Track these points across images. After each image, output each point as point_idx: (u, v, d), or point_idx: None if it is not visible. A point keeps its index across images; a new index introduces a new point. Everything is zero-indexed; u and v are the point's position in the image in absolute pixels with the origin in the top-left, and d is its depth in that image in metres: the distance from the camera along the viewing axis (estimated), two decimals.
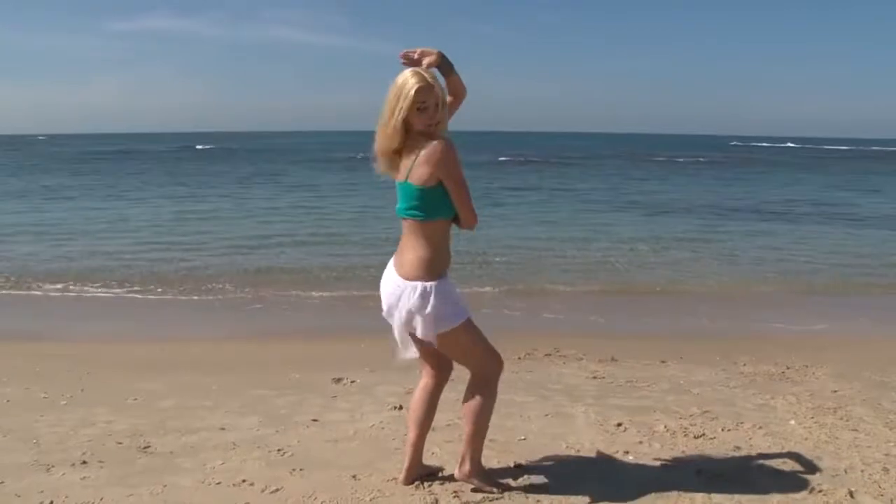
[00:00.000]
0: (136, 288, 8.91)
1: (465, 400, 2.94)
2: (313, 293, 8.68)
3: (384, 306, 2.86)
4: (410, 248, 2.76)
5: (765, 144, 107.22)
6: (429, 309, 2.69)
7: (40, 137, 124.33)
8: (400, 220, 2.80)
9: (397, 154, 2.76)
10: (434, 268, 2.74)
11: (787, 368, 5.50)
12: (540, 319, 7.61)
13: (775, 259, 11.41)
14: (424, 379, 3.04)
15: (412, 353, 2.88)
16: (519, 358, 5.81)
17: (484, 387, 2.91)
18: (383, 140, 2.74)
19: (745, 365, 5.66)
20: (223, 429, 3.99)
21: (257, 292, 8.70)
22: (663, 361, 5.78)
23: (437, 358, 2.98)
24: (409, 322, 2.74)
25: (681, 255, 11.62)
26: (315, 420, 4.15)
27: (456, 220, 2.79)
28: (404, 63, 2.79)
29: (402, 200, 2.76)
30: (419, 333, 2.74)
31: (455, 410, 4.13)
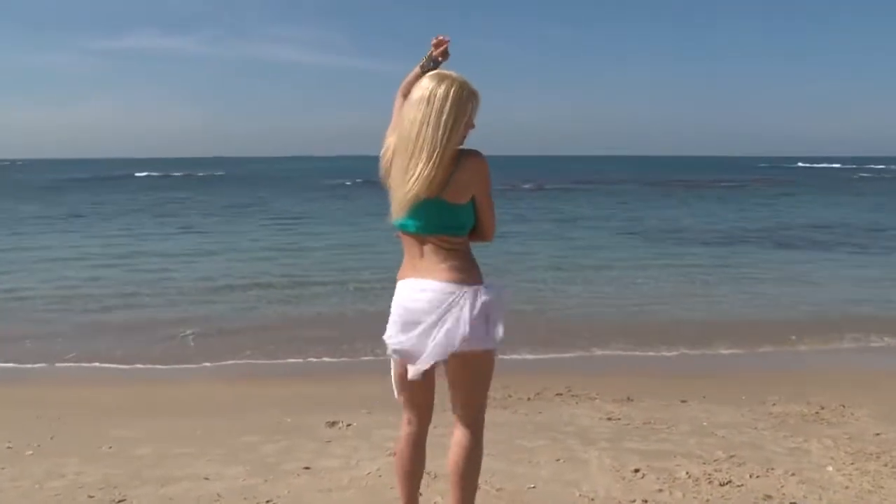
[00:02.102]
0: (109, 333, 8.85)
1: (461, 456, 2.75)
2: (308, 329, 8.65)
3: (402, 325, 2.66)
4: (444, 260, 2.63)
5: (801, 165, 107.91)
6: (501, 312, 2.61)
7: (18, 163, 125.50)
8: (416, 237, 2.66)
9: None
10: (480, 272, 2.69)
11: (822, 408, 5.43)
12: (550, 356, 7.55)
13: (804, 289, 11.34)
14: (406, 427, 2.87)
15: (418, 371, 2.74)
16: (528, 398, 5.76)
17: (480, 437, 2.78)
18: (433, 169, 2.51)
19: (774, 404, 5.60)
20: (206, 478, 3.94)
21: (243, 330, 8.66)
22: (683, 401, 5.72)
23: (427, 398, 2.86)
24: (455, 332, 2.55)
25: (699, 285, 11.58)
26: (307, 468, 4.10)
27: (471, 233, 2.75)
28: (438, 55, 2.75)
29: (426, 218, 2.62)
30: (467, 343, 2.56)
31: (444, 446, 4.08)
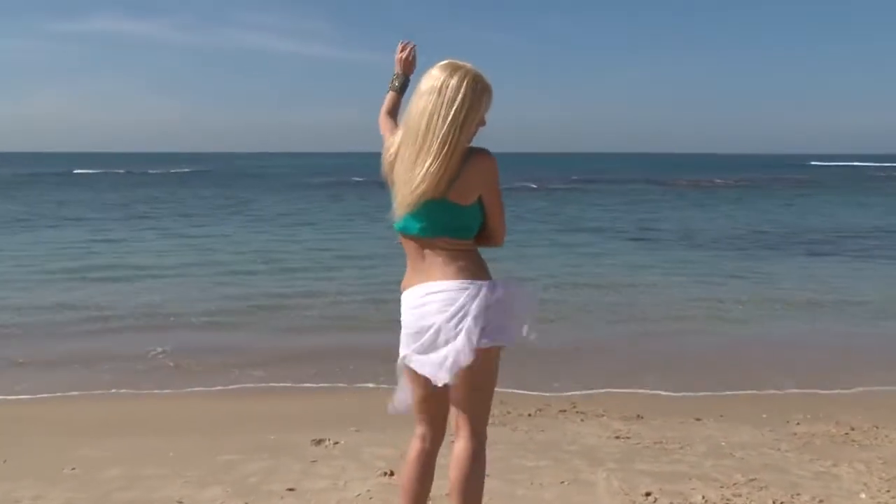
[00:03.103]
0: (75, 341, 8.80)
1: (460, 469, 2.74)
2: (292, 343, 8.66)
3: (415, 331, 2.68)
4: (450, 261, 2.65)
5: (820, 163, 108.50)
6: (530, 309, 2.67)
7: None
8: (419, 240, 2.67)
9: None
10: (489, 273, 2.71)
11: (852, 429, 5.43)
12: (553, 369, 7.57)
13: (832, 299, 11.31)
14: (420, 443, 2.88)
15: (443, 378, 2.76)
16: (529, 415, 5.77)
17: (481, 450, 2.78)
18: (442, 165, 2.52)
19: (798, 424, 5.62)
20: (181, 502, 3.94)
21: (220, 345, 8.65)
22: (698, 419, 5.74)
23: (442, 410, 2.85)
24: (486, 318, 2.57)
25: (717, 293, 11.60)
26: (291, 489, 4.10)
27: (478, 236, 2.76)
28: (407, 70, 2.84)
29: (429, 219, 2.63)
30: (488, 338, 2.59)
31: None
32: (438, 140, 2.53)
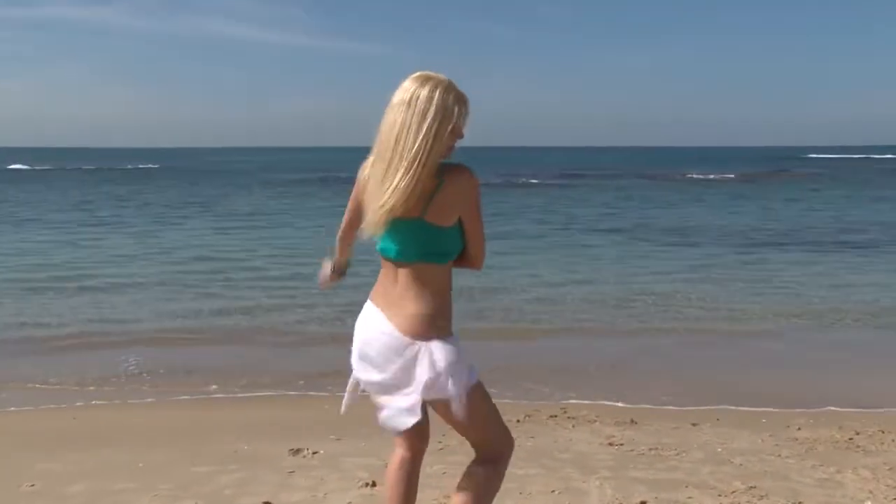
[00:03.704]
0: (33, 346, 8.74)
1: (469, 483, 2.81)
2: (265, 349, 8.64)
3: (360, 355, 2.77)
4: (416, 298, 2.66)
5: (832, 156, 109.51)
6: (462, 367, 2.64)
7: None
8: (394, 263, 2.70)
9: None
10: (449, 318, 2.72)
11: (857, 434, 5.49)
12: (542, 372, 7.61)
13: (840, 297, 11.39)
14: (401, 452, 2.92)
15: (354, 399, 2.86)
16: (518, 420, 5.79)
17: (493, 467, 2.83)
18: (410, 182, 2.52)
19: (799, 429, 5.68)
20: None
21: (191, 352, 8.61)
22: (695, 424, 5.80)
23: (420, 424, 2.90)
24: (428, 389, 2.62)
25: (716, 291, 11.69)
26: (267, 502, 4.10)
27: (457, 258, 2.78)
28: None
29: (406, 243, 2.65)
30: (454, 396, 2.63)
31: (441, 487, 4.10)
32: (409, 154, 2.53)
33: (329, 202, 29.44)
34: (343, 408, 2.90)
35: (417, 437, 2.91)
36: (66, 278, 12.76)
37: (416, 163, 2.52)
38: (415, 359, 2.63)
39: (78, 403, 6.63)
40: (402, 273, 2.68)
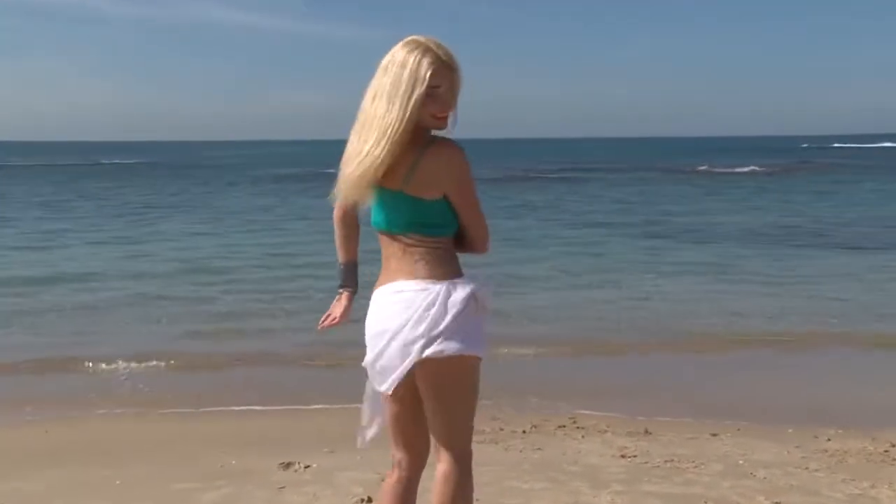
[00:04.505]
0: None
1: (440, 496, 2.76)
2: (254, 348, 8.61)
3: (376, 343, 2.74)
4: (417, 261, 2.69)
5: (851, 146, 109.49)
6: (481, 314, 2.67)
7: None
8: (387, 235, 2.73)
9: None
10: (460, 270, 2.74)
11: (892, 446, 5.45)
12: (550, 378, 7.59)
13: (870, 301, 11.30)
14: (396, 470, 2.91)
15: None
16: (524, 431, 5.79)
17: (463, 472, 2.80)
18: (383, 151, 2.57)
19: (829, 440, 5.65)
20: None
21: (174, 350, 8.61)
22: (714, 434, 5.78)
23: (421, 431, 2.87)
24: (437, 330, 2.62)
25: (735, 295, 11.66)
26: None
27: (458, 241, 2.78)
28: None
29: (393, 212, 2.70)
30: (440, 345, 2.63)
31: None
32: (379, 121, 2.59)
33: (320, 200, 29.38)
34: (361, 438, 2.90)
35: (416, 455, 2.91)
36: (36, 281, 12.75)
37: (389, 130, 2.57)
38: (435, 298, 2.64)
39: (51, 417, 6.61)
40: (398, 245, 2.73)
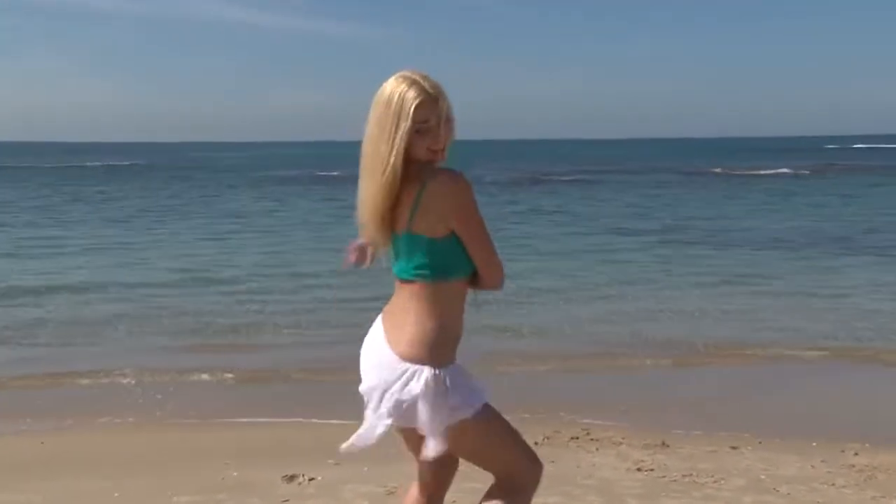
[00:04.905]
0: None
1: None
2: (257, 358, 8.60)
3: (363, 383, 2.79)
4: (412, 319, 2.68)
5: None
6: (441, 401, 2.63)
7: None
8: (398, 282, 2.76)
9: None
10: (446, 345, 2.70)
11: None
12: (563, 388, 7.58)
13: None
14: (414, 489, 2.96)
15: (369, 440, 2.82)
16: (536, 443, 5.75)
17: (508, 497, 2.81)
18: (379, 191, 2.62)
19: (856, 454, 5.62)
20: None
21: (175, 360, 8.63)
22: (734, 447, 5.77)
23: (433, 466, 2.88)
24: (399, 413, 2.65)
25: (759, 304, 11.61)
26: None
27: (472, 278, 2.76)
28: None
29: (401, 257, 2.71)
30: (426, 432, 2.65)
31: None
32: (370, 162, 2.65)
33: (321, 204, 29.44)
34: (354, 444, 2.87)
35: (434, 479, 2.93)
36: (32, 291, 12.75)
37: (380, 171, 2.61)
38: (401, 380, 2.66)
39: (47, 427, 6.62)
40: (404, 292, 2.73)
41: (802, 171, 50.78)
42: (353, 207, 2.76)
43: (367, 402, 2.79)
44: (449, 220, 2.64)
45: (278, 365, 8.57)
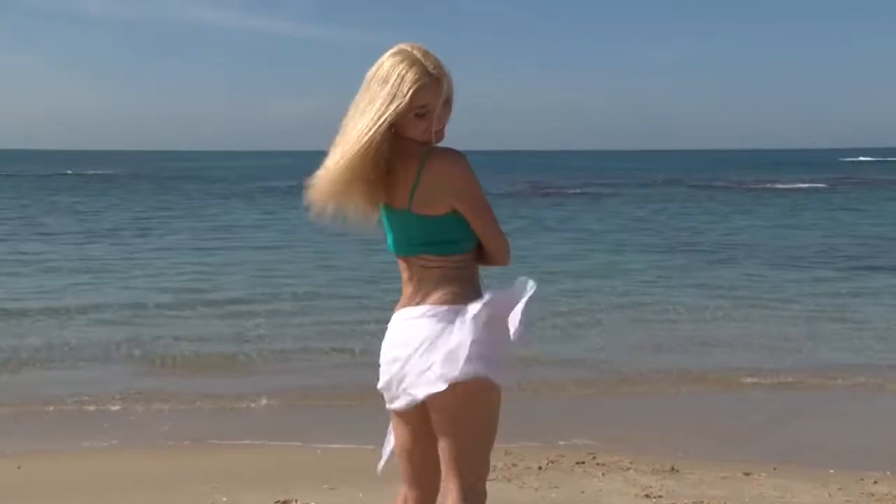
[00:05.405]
0: None
1: None
2: (249, 381, 8.65)
3: (382, 375, 2.81)
4: (435, 285, 2.73)
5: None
6: (476, 338, 2.63)
7: None
8: (402, 259, 2.80)
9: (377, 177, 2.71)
10: (479, 290, 2.77)
11: None
12: (568, 409, 7.58)
13: None
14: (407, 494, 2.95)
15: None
16: (539, 468, 5.79)
17: None
18: (358, 160, 2.64)
19: (876, 483, 5.61)
20: None
21: (163, 379, 8.64)
22: (747, 473, 5.77)
23: (430, 464, 2.89)
24: (441, 365, 2.65)
25: (772, 325, 11.58)
26: None
27: (479, 253, 2.82)
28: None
29: (404, 234, 2.76)
30: (453, 370, 2.64)
31: None
32: (352, 134, 2.66)
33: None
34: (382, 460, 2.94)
35: (424, 491, 2.93)
36: (10, 314, 12.69)
37: (359, 146, 2.63)
38: (453, 322, 2.67)
39: (26, 450, 6.60)
40: (413, 267, 2.78)
41: (819, 185, 50.81)
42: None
43: (387, 389, 2.81)
44: (448, 197, 2.69)
45: (270, 387, 8.57)
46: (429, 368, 2.66)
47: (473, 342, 2.63)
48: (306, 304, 13.02)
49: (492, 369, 2.70)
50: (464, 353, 2.63)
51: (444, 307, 2.70)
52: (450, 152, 2.71)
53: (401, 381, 2.74)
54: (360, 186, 2.69)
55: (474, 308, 2.67)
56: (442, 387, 2.64)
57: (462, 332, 2.64)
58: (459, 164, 2.69)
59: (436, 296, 2.73)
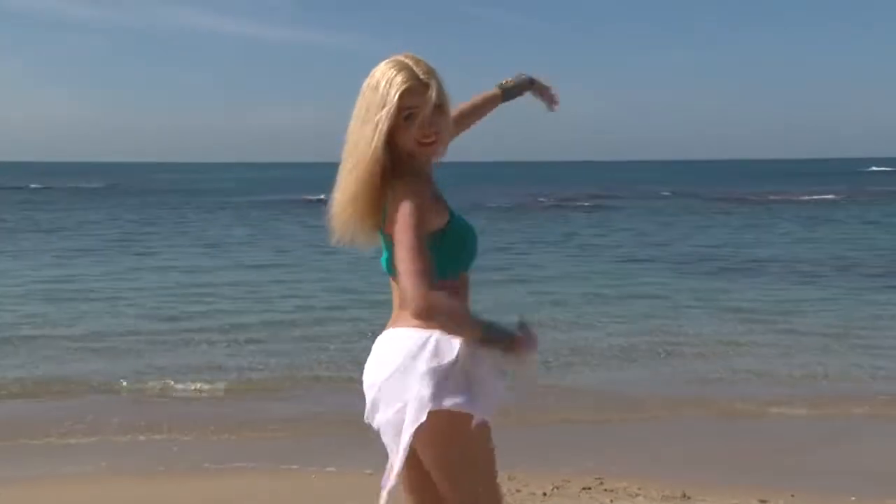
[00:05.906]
0: None
1: None
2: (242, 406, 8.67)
3: (368, 389, 2.82)
4: (403, 309, 2.75)
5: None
6: (439, 368, 2.65)
7: None
8: (391, 278, 2.84)
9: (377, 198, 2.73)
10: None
11: None
12: (575, 433, 7.58)
13: None
14: None
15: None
16: (544, 493, 5.79)
17: None
18: (362, 177, 2.68)
19: None
20: None
21: (150, 409, 8.64)
22: (763, 501, 5.77)
23: (431, 486, 2.88)
24: (412, 400, 2.66)
25: (791, 346, 11.57)
26: None
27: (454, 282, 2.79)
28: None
29: (385, 254, 2.81)
30: (409, 409, 2.67)
31: None
32: (349, 153, 2.73)
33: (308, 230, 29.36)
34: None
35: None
36: None
37: (356, 165, 2.69)
38: (413, 350, 2.69)
39: (7, 476, 6.59)
40: (394, 288, 2.83)
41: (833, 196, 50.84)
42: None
43: (370, 419, 2.83)
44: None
45: (262, 412, 8.61)
46: (395, 412, 2.70)
47: (430, 379, 2.65)
48: (304, 325, 13.05)
49: (446, 399, 2.67)
50: (416, 388, 2.65)
51: (412, 330, 2.69)
52: (405, 182, 2.68)
53: (375, 411, 2.78)
54: (372, 193, 2.72)
55: (431, 343, 2.67)
56: (406, 439, 2.66)
57: (417, 366, 2.66)
58: (401, 188, 2.66)
59: (402, 320, 2.74)
